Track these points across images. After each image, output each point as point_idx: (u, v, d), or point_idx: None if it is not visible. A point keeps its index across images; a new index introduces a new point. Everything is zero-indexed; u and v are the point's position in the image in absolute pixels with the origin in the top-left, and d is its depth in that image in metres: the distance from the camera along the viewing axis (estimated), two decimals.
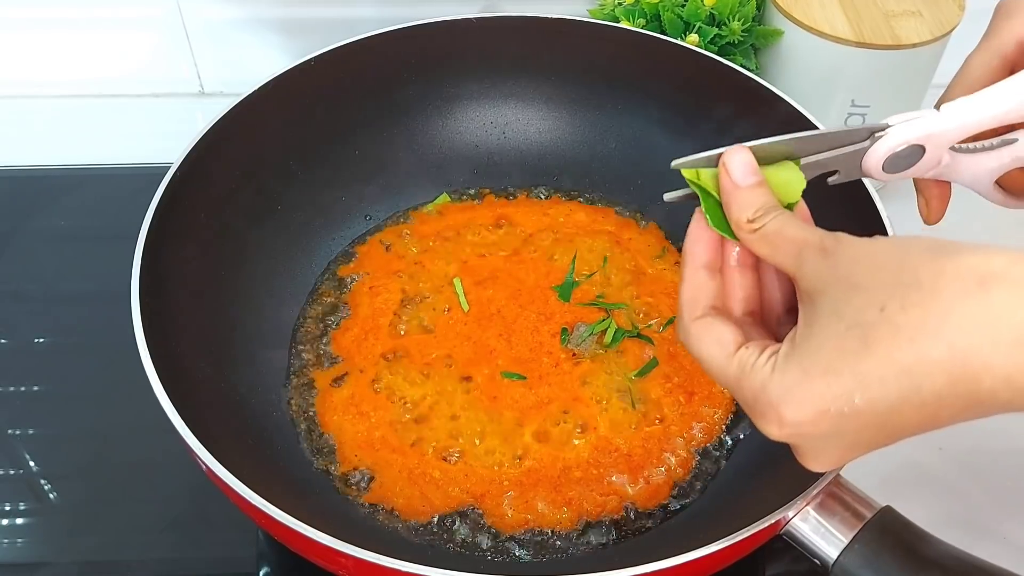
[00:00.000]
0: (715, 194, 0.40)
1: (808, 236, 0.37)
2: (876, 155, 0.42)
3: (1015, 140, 0.44)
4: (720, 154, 0.40)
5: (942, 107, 0.42)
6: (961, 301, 0.31)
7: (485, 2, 0.85)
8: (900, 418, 0.33)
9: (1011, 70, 0.44)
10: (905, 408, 0.33)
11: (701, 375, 0.63)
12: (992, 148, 0.44)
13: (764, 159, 0.40)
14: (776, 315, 0.42)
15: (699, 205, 0.41)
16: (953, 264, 0.32)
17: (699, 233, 0.41)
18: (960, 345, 0.31)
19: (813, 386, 0.34)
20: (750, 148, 0.40)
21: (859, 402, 0.33)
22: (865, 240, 0.36)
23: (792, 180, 0.41)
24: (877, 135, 0.42)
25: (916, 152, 0.42)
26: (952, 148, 0.43)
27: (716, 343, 0.39)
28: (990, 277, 0.31)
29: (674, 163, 0.40)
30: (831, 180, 0.43)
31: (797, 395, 0.34)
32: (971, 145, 0.44)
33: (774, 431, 0.36)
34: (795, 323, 0.37)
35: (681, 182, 0.41)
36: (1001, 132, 0.44)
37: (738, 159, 0.39)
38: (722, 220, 0.40)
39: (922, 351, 0.32)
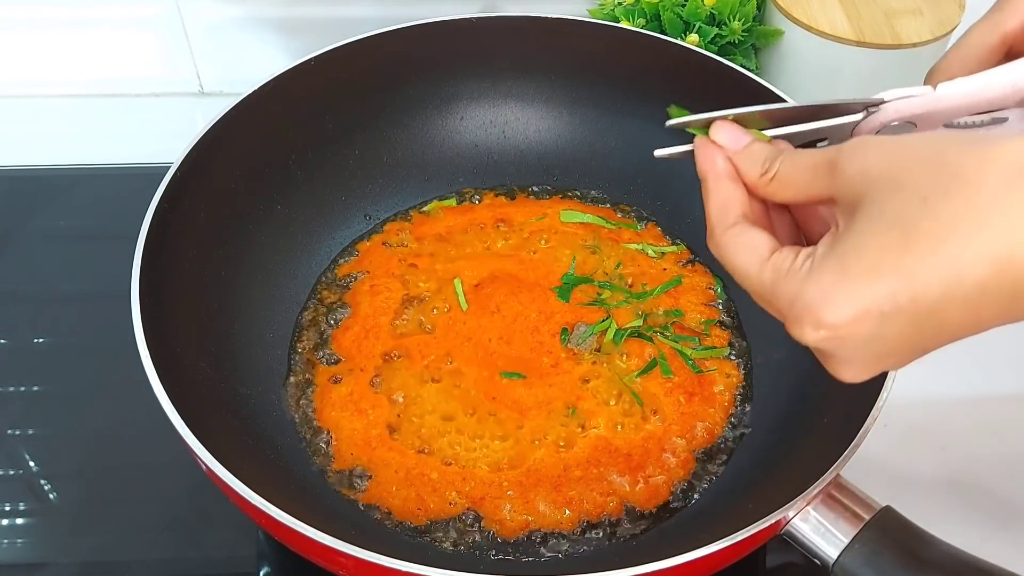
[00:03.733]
0: None
1: (823, 155, 0.37)
2: (868, 128, 0.42)
3: (1005, 119, 0.44)
4: (711, 118, 0.41)
5: (938, 86, 0.42)
6: (1005, 191, 0.31)
7: (485, 2, 0.85)
8: (942, 317, 0.32)
9: (1009, 49, 0.44)
10: (948, 305, 0.32)
11: (701, 376, 0.63)
12: (982, 125, 0.44)
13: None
14: None
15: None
16: (996, 154, 0.32)
17: (709, 148, 0.41)
18: (1004, 235, 0.31)
19: (854, 286, 0.33)
20: (741, 113, 0.41)
21: (901, 300, 0.32)
22: (894, 137, 0.35)
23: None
24: (871, 109, 0.42)
25: (907, 128, 0.43)
26: (944, 124, 0.43)
27: (749, 249, 0.38)
28: None
29: (669, 123, 0.41)
30: (820, 146, 0.43)
31: (836, 295, 0.33)
32: (962, 120, 0.44)
33: (809, 334, 0.34)
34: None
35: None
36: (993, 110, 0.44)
37: (724, 132, 0.40)
38: None
39: (966, 240, 0.31)
